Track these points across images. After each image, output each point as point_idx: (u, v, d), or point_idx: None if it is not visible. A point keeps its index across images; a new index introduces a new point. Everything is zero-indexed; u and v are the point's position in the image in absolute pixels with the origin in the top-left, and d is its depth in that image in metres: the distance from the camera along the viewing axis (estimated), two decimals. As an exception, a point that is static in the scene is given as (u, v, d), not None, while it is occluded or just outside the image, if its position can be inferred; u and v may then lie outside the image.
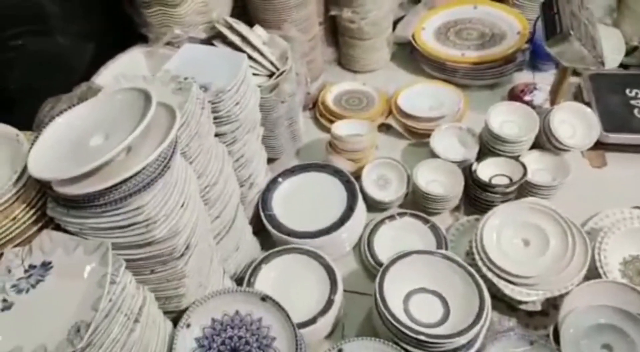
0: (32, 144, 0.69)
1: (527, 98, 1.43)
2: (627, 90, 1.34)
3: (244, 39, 1.11)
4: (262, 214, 1.16)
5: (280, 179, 1.20)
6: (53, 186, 0.65)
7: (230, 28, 1.12)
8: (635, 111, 1.29)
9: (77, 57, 1.15)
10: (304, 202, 1.19)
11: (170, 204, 0.70)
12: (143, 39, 1.21)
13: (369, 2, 1.42)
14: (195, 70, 1.01)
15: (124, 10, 1.18)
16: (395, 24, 1.64)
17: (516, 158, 1.18)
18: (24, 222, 0.71)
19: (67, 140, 0.69)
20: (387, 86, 1.53)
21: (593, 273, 0.99)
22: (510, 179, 1.15)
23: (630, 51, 1.48)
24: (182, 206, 0.73)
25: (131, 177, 0.63)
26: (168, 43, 1.18)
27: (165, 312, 0.83)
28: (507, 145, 1.17)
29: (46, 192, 0.71)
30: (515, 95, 1.46)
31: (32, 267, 0.70)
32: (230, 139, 1.01)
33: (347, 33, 1.53)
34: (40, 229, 0.73)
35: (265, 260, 1.07)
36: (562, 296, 0.94)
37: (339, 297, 1.01)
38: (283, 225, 1.14)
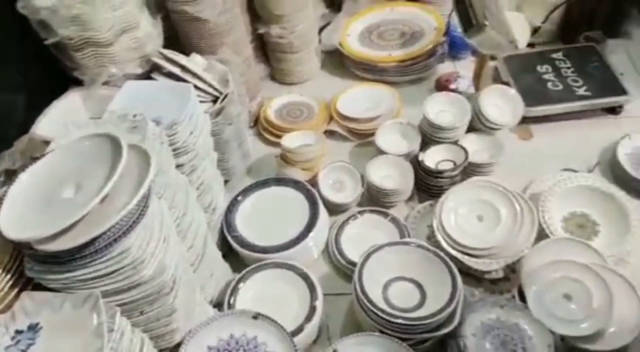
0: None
1: (452, 86, 1.54)
2: (538, 67, 1.49)
3: (184, 68, 1.13)
4: (228, 236, 1.17)
5: (240, 198, 1.22)
6: (33, 245, 0.65)
7: (169, 60, 1.13)
8: (549, 85, 1.44)
9: (12, 109, 1.11)
10: (268, 217, 1.22)
11: (154, 242, 0.71)
12: (77, 82, 1.19)
13: (295, 17, 1.48)
14: (142, 107, 1.01)
15: (53, 55, 1.15)
16: (318, 33, 1.70)
17: (456, 143, 1.27)
18: (1, 290, 0.69)
19: (37, 196, 0.69)
20: (323, 94, 1.59)
21: (541, 234, 1.10)
22: (454, 163, 1.25)
23: (534, 32, 1.64)
24: (164, 241, 0.74)
25: (115, 223, 0.64)
26: (105, 83, 1.16)
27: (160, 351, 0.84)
28: (446, 132, 1.27)
29: (22, 253, 0.69)
30: (441, 86, 1.57)
31: (18, 332, 0.69)
32: (189, 169, 1.02)
33: (277, 48, 1.58)
34: (19, 292, 0.71)
35: (241, 280, 1.09)
36: (519, 260, 1.04)
37: (320, 303, 1.04)
38: (251, 244, 1.16)
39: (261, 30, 1.51)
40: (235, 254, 1.18)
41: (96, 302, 0.68)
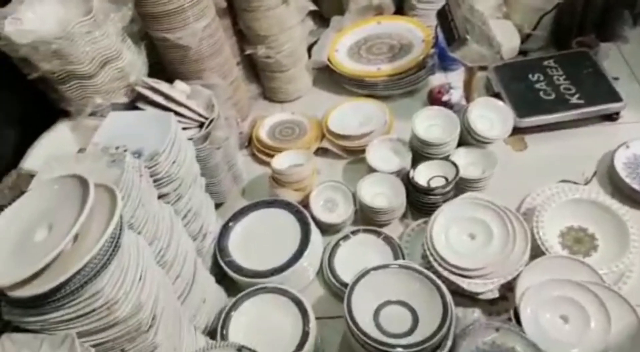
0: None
1: (445, 98, 1.52)
2: (530, 76, 1.46)
3: (167, 97, 1.13)
4: (220, 262, 1.16)
5: (231, 224, 1.21)
6: (5, 291, 0.64)
7: (152, 89, 1.13)
8: (541, 93, 1.41)
9: (1, 145, 1.11)
10: (260, 240, 1.21)
11: (128, 281, 0.70)
12: (66, 114, 1.19)
13: (281, 36, 1.47)
14: (125, 138, 1.01)
15: (38, 89, 1.16)
16: (309, 50, 1.70)
17: (447, 158, 1.26)
18: (-19, 332, 0.69)
19: (10, 239, 0.68)
20: (315, 111, 1.59)
21: (537, 251, 1.08)
22: (446, 179, 1.23)
23: (524, 39, 1.62)
24: (140, 279, 0.73)
25: (83, 266, 0.63)
26: (91, 113, 1.16)
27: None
28: (435, 148, 1.25)
29: (-2, 297, 0.69)
30: (434, 98, 1.55)
31: (-1, 374, 0.69)
32: (175, 198, 1.02)
33: (266, 68, 1.57)
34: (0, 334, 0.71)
35: (233, 307, 1.08)
36: (515, 279, 1.01)
37: (313, 327, 1.03)
38: (244, 268, 1.15)
39: (248, 51, 1.51)
40: (230, 278, 1.17)
41: (72, 343, 0.67)
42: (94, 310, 0.67)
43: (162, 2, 1.18)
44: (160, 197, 0.98)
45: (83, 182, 0.68)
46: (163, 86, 1.14)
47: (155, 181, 0.96)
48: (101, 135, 1.03)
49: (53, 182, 0.72)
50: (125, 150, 0.98)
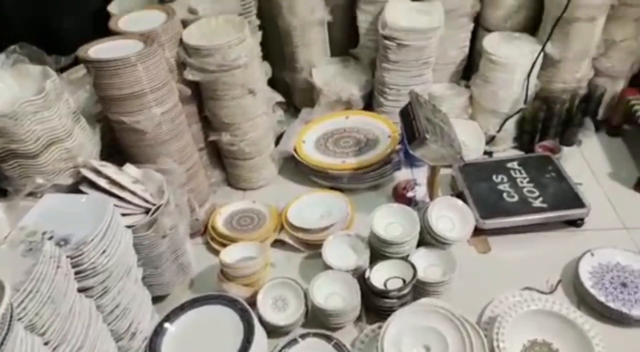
0: None
1: (410, 194, 1.50)
2: (494, 177, 1.45)
3: (111, 180, 1.08)
4: (151, 366, 1.04)
5: (166, 324, 1.10)
6: None
7: (96, 171, 1.09)
8: (504, 195, 1.39)
9: None
10: (198, 341, 1.09)
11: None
12: (3, 193, 1.13)
13: (245, 125, 1.47)
14: (56, 222, 0.95)
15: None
16: (279, 138, 1.70)
17: (405, 258, 1.19)
18: None
19: None
20: (277, 201, 1.54)
21: (498, 367, 0.98)
22: (404, 281, 1.15)
23: (489, 140, 1.63)
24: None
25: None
26: (30, 194, 1.10)
27: None
28: (394, 247, 1.19)
29: None
30: (398, 194, 1.52)
31: None
32: (100, 291, 0.93)
33: (230, 155, 1.55)
34: None
35: None
36: (471, 400, 0.91)
37: None
38: (176, 375, 1.03)
39: (212, 138, 1.49)
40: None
41: None
42: None
43: (123, 85, 1.17)
44: (82, 290, 0.89)
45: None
46: (109, 169, 1.09)
47: (78, 272, 0.87)
48: (30, 218, 0.96)
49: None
50: (50, 237, 0.92)
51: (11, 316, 0.63)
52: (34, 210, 0.99)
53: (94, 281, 0.91)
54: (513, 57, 1.51)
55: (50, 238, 0.91)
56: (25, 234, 0.94)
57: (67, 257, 0.85)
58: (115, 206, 1.00)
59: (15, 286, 0.72)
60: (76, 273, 0.87)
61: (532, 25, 1.62)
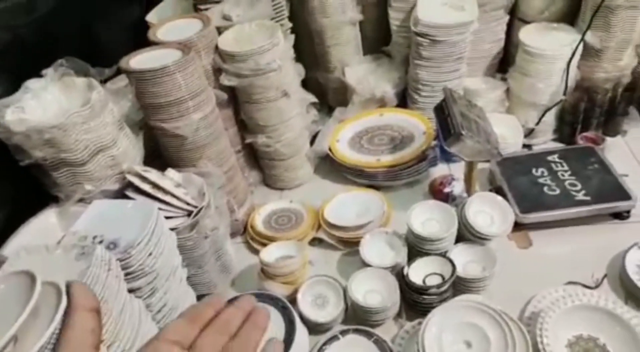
0: None
1: (447, 190, 1.48)
2: (534, 170, 1.42)
3: (154, 185, 1.12)
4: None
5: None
6: None
7: (140, 176, 1.13)
8: (545, 189, 1.36)
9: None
10: (242, 338, 1.13)
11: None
12: (56, 199, 1.19)
13: (281, 126, 1.49)
14: (105, 227, 1.00)
15: (32, 173, 1.17)
16: (314, 138, 1.72)
17: (444, 254, 1.19)
18: None
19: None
20: (315, 199, 1.56)
21: (540, 363, 0.97)
22: (443, 277, 1.15)
23: (527, 133, 1.60)
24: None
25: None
26: (80, 200, 1.16)
27: None
28: (431, 244, 1.19)
29: None
30: (435, 190, 1.52)
31: None
32: (148, 292, 0.97)
33: (266, 156, 1.58)
34: None
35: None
36: (515, 397, 0.90)
37: None
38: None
39: (248, 140, 1.53)
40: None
41: None
42: None
43: (163, 93, 1.21)
44: (132, 291, 0.94)
45: (32, 279, 0.65)
46: (152, 175, 1.14)
47: (127, 274, 0.92)
48: (81, 224, 1.02)
49: (1, 279, 0.69)
50: (100, 242, 0.96)
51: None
52: (84, 215, 1.04)
53: (143, 282, 0.95)
54: (552, 49, 1.47)
55: (101, 242, 0.96)
56: (77, 239, 1.00)
57: (117, 260, 0.89)
58: (160, 209, 1.05)
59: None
60: (125, 275, 0.92)
61: (570, 15, 1.57)
